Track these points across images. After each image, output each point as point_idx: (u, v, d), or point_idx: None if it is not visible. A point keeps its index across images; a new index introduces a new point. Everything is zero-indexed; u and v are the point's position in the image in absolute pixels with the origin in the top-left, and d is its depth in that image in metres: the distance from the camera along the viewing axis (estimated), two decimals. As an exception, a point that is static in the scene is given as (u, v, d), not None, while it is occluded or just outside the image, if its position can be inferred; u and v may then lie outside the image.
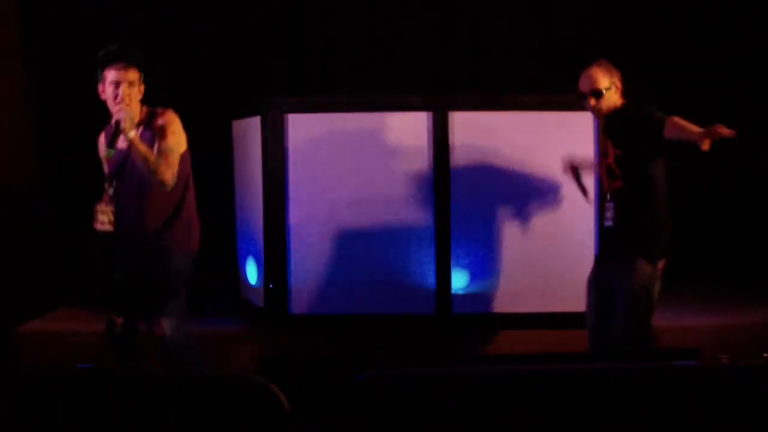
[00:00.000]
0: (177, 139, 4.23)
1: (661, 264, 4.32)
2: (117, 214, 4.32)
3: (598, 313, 4.37)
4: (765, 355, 4.34)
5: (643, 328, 4.24)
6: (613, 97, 4.33)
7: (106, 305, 4.50)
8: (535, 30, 6.79)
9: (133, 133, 4.11)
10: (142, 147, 4.12)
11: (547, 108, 5.37)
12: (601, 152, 4.42)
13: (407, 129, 5.36)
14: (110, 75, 4.18)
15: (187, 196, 4.35)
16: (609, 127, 4.35)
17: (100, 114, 6.50)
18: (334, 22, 6.84)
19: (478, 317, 5.37)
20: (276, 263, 5.37)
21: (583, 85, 4.36)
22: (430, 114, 5.34)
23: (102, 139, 4.46)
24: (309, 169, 5.37)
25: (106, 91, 4.21)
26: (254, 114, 5.44)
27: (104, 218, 4.31)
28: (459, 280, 5.37)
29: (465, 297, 5.37)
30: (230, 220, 5.93)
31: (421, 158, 5.33)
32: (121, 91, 4.16)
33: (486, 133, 5.40)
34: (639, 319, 4.23)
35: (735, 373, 2.30)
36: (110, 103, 4.22)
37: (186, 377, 2.28)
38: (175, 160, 4.20)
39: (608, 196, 4.37)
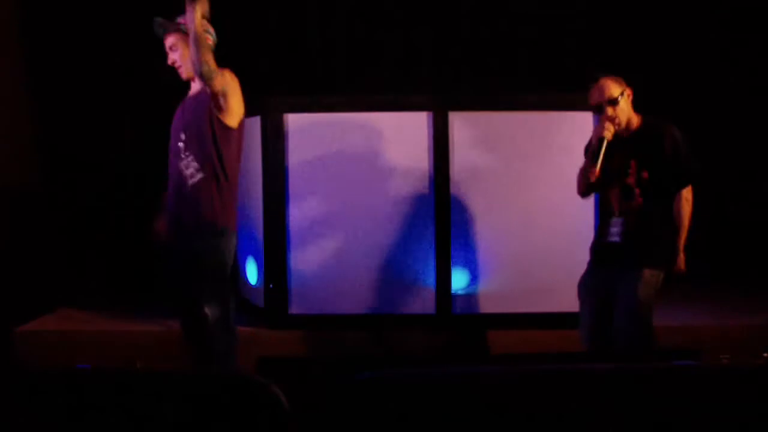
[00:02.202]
0: (234, 87, 4.25)
1: (663, 275, 4.30)
2: (173, 170, 4.30)
3: (596, 318, 4.32)
4: (765, 354, 4.35)
5: (648, 334, 4.20)
6: (626, 107, 4.27)
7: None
8: (535, 30, 6.79)
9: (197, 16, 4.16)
10: (200, 26, 4.14)
11: (547, 108, 5.37)
12: (614, 169, 4.25)
13: (407, 129, 5.36)
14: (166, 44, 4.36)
15: (228, 170, 4.28)
16: (633, 146, 4.25)
17: (101, 113, 6.54)
18: (334, 22, 6.84)
19: (478, 317, 5.37)
20: (276, 263, 5.37)
21: (596, 97, 4.29)
22: (430, 114, 5.34)
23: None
24: (309, 169, 5.38)
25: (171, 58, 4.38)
26: (254, 114, 5.44)
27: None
28: (459, 280, 5.37)
29: (465, 297, 5.37)
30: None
31: (421, 158, 5.33)
32: (170, 57, 4.33)
33: (486, 133, 5.40)
34: (644, 327, 4.19)
35: (735, 373, 2.30)
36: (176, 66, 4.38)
37: (186, 377, 2.28)
38: (224, 82, 4.17)
39: (616, 212, 4.29)
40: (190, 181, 4.20)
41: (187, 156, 4.22)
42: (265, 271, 5.44)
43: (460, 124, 5.36)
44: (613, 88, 4.27)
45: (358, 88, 6.57)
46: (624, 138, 4.28)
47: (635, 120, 4.29)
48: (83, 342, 5.29)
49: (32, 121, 6.39)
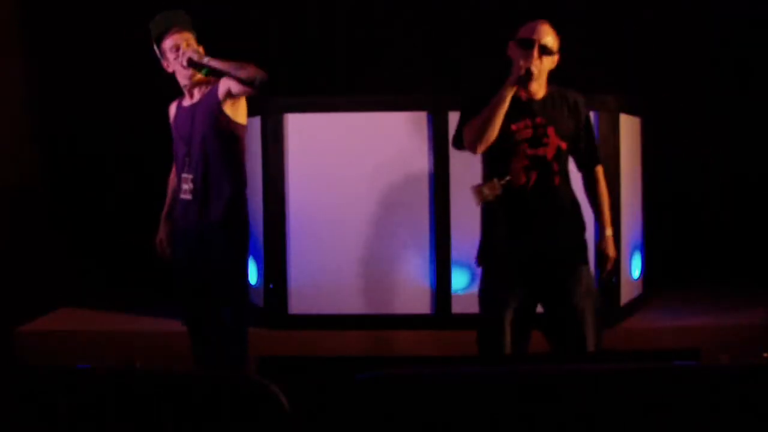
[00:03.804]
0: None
1: None
2: (185, 174, 4.21)
3: (514, 334, 3.74)
4: (765, 354, 4.34)
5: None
6: (548, 68, 3.69)
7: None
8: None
9: (207, 59, 4.05)
10: (218, 62, 4.05)
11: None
12: (528, 137, 3.67)
13: (407, 129, 5.36)
14: (168, 44, 4.16)
15: (243, 169, 4.32)
16: (548, 111, 3.69)
17: (100, 113, 6.53)
18: (334, 23, 6.84)
19: (478, 317, 5.36)
20: (276, 263, 5.37)
21: (531, 32, 3.67)
22: (430, 114, 5.34)
23: (173, 109, 4.40)
24: (309, 169, 5.37)
25: (170, 61, 4.18)
26: (254, 114, 5.43)
27: (186, 187, 4.22)
28: (459, 280, 5.37)
29: (465, 297, 5.37)
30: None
31: (421, 158, 5.33)
32: (182, 50, 4.13)
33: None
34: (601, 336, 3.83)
35: (735, 373, 2.30)
36: (177, 69, 4.18)
37: (186, 377, 2.28)
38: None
39: (528, 191, 3.67)
40: (215, 190, 4.19)
41: (203, 166, 4.19)
42: (265, 271, 5.44)
43: (460, 124, 5.35)
44: (554, 38, 3.71)
45: (358, 88, 6.57)
46: (532, 101, 3.70)
47: (543, 88, 3.75)
48: (83, 342, 5.29)
49: (32, 121, 6.39)
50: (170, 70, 4.25)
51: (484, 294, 3.88)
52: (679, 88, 6.55)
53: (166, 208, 4.47)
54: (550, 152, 3.67)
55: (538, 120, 3.68)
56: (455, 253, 5.34)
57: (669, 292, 6.13)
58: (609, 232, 3.87)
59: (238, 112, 4.24)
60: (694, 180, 6.67)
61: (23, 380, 2.25)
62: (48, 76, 6.43)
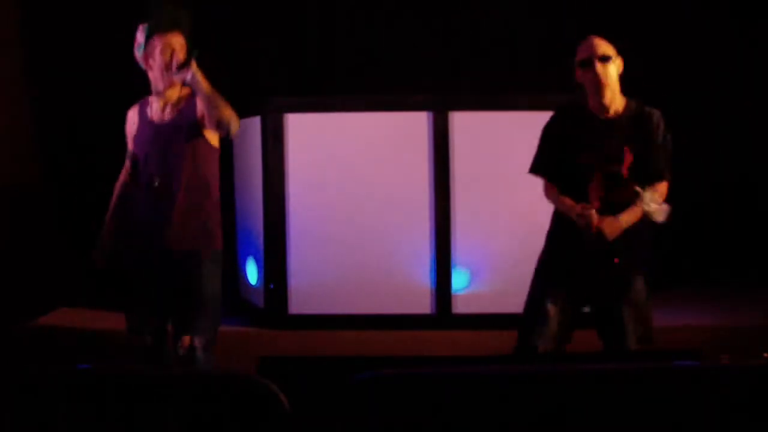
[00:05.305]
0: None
1: None
2: (154, 197, 3.99)
3: (563, 330, 3.95)
4: (765, 354, 4.34)
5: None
6: (615, 75, 3.87)
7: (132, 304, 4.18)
8: (535, 30, 6.79)
9: (191, 73, 3.84)
10: (203, 84, 3.86)
11: (547, 108, 5.36)
12: (605, 156, 3.83)
13: (407, 129, 5.36)
14: (160, 42, 3.98)
15: (215, 192, 4.10)
16: (624, 130, 3.87)
17: (100, 113, 6.53)
18: (334, 23, 6.84)
19: (478, 317, 5.37)
20: (276, 263, 5.37)
21: (587, 50, 3.84)
22: (430, 114, 5.34)
23: (131, 114, 4.22)
24: (309, 169, 5.38)
25: (154, 58, 4.00)
26: (254, 114, 5.44)
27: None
28: (459, 280, 5.37)
29: (465, 297, 5.37)
30: (230, 220, 5.93)
31: (421, 158, 5.33)
32: (176, 59, 3.95)
33: (486, 133, 5.40)
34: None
35: (735, 373, 2.30)
36: (157, 71, 4.00)
37: (186, 377, 2.28)
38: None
39: (596, 207, 3.82)
40: (184, 206, 3.99)
41: (172, 178, 3.99)
42: (265, 271, 5.44)
43: (460, 124, 5.35)
44: (607, 46, 3.88)
45: (358, 88, 6.57)
46: (611, 120, 3.90)
47: (621, 101, 3.93)
48: (83, 342, 5.29)
49: (32, 121, 6.39)
50: (145, 66, 4.08)
51: (546, 265, 4.10)
52: (679, 88, 6.55)
53: (109, 216, 4.31)
54: (625, 169, 3.84)
55: (616, 139, 3.84)
56: (456, 253, 5.34)
57: (669, 292, 6.13)
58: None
59: (212, 134, 4.04)
60: (694, 180, 6.67)
61: (23, 380, 2.25)
62: (48, 75, 6.42)
